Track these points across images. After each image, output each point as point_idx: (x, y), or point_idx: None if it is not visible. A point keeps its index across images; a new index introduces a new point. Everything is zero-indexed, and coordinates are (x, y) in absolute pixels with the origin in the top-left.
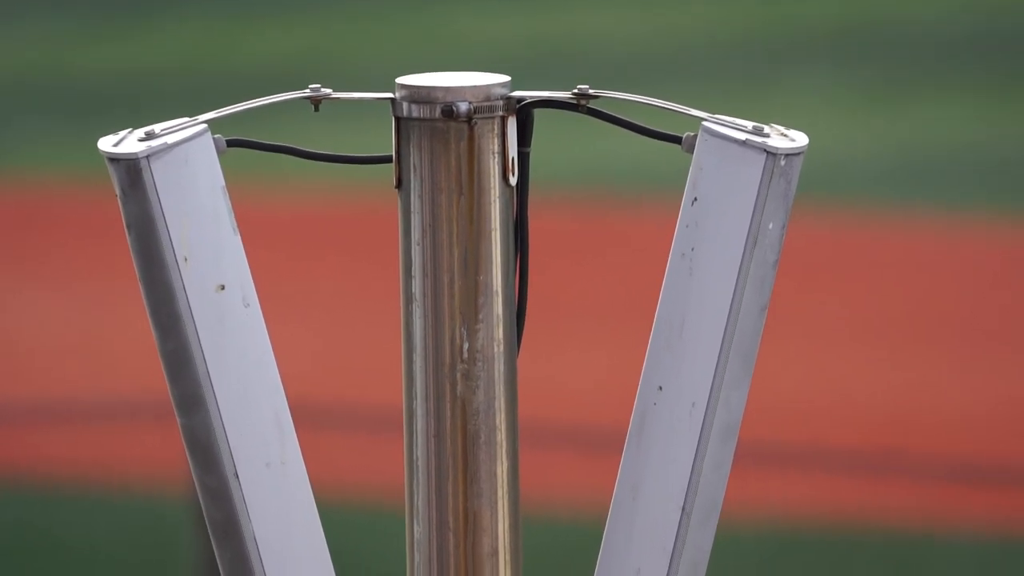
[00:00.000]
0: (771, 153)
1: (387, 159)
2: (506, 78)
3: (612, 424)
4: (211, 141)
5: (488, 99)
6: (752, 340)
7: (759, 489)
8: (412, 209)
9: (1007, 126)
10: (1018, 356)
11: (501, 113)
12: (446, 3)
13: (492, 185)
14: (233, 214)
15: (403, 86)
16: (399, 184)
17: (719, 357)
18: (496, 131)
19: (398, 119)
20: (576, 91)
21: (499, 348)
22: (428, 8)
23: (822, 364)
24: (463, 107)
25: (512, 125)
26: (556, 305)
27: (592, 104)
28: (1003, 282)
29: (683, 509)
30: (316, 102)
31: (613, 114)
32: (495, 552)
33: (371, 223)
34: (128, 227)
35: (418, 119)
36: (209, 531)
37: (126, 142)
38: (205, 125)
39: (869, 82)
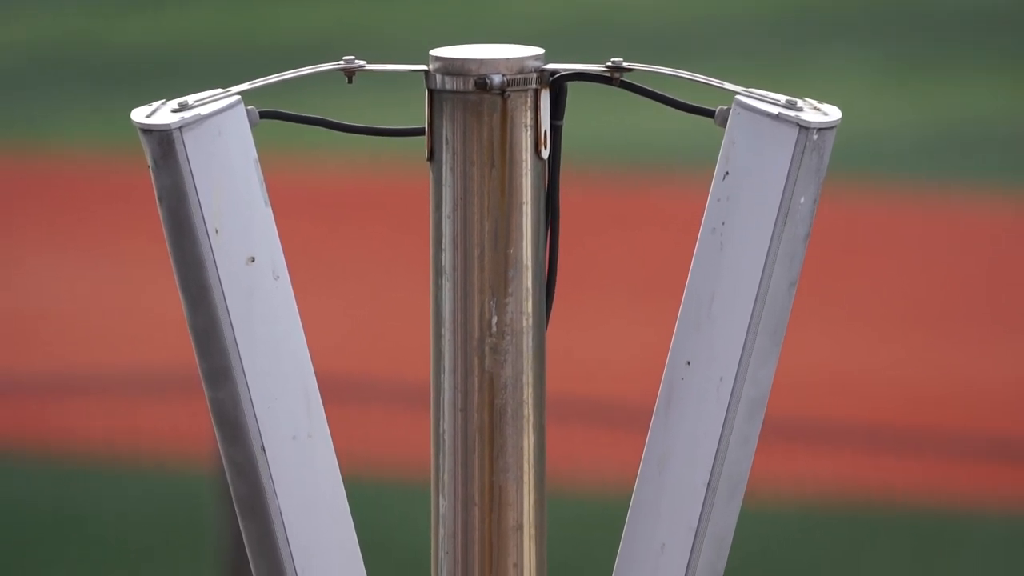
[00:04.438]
0: (804, 127)
1: (419, 131)
2: (540, 51)
3: (640, 398)
4: (244, 113)
5: (521, 72)
6: (781, 315)
7: (786, 465)
8: (444, 182)
9: None
10: None
11: (534, 86)
12: None
13: (524, 158)
14: (265, 186)
15: (437, 58)
16: (431, 156)
17: (748, 331)
18: (529, 104)
19: (431, 91)
20: (610, 64)
21: (528, 322)
22: None
23: (851, 340)
24: (496, 79)
25: (545, 98)
26: (586, 279)
27: (625, 77)
28: None
29: (709, 484)
30: (350, 74)
31: (646, 87)
32: (520, 526)
33: (402, 195)
34: (159, 199)
35: (451, 91)
36: (235, 505)
37: (159, 113)
38: (238, 96)
39: (903, 56)
